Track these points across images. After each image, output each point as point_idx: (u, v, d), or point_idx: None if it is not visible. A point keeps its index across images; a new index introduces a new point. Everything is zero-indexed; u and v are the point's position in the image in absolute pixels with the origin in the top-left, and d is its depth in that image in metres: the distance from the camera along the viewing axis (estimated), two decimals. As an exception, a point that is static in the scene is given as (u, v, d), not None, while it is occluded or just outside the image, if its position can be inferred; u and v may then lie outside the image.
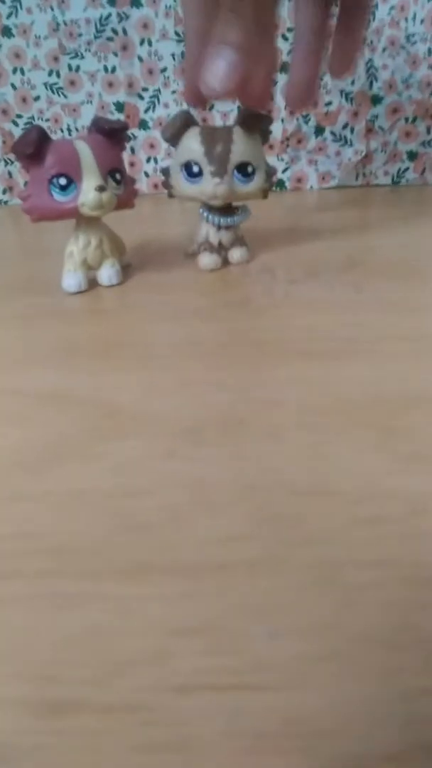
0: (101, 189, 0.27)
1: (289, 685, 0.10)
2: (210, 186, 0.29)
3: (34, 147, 0.26)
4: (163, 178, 0.32)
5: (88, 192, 0.27)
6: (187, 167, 0.30)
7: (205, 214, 0.32)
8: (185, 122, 0.29)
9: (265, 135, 0.31)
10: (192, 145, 0.29)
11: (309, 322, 0.25)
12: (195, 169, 0.29)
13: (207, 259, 0.32)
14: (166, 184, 0.31)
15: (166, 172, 0.31)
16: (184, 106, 0.54)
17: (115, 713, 0.10)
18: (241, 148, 0.29)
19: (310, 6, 0.32)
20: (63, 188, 0.27)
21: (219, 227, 0.32)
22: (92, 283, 0.31)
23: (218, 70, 0.25)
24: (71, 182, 0.27)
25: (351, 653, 0.11)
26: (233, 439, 0.17)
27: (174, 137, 0.30)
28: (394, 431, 0.17)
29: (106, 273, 0.31)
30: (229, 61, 0.25)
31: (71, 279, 0.30)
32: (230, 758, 0.09)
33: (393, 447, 0.16)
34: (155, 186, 0.30)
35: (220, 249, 0.33)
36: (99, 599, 0.12)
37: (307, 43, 0.32)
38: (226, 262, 0.33)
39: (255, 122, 0.29)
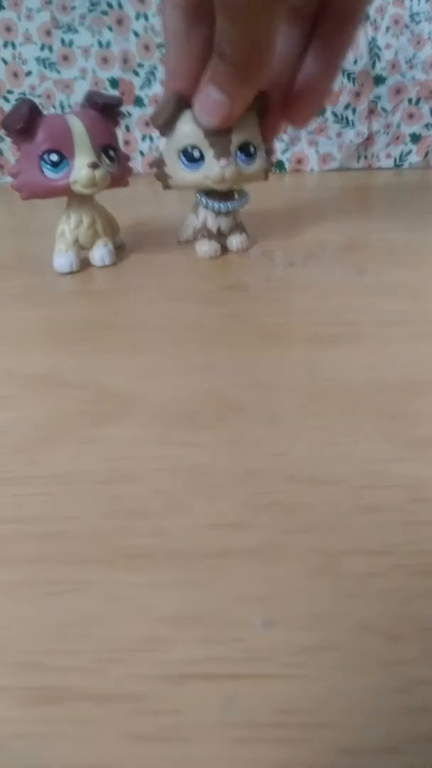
0: (94, 166, 0.27)
1: (286, 674, 0.10)
2: (216, 169, 0.28)
3: (25, 122, 0.26)
4: (156, 170, 0.30)
5: (81, 169, 0.27)
6: (186, 153, 0.28)
7: (203, 199, 0.30)
8: (178, 106, 0.27)
9: (261, 113, 0.29)
10: (189, 128, 0.28)
11: (309, 306, 0.24)
12: (195, 153, 0.28)
13: (206, 247, 0.31)
14: (161, 175, 0.30)
15: (158, 163, 0.29)
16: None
17: (108, 702, 0.10)
18: (240, 127, 0.28)
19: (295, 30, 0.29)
20: (54, 165, 0.27)
21: (218, 213, 0.31)
22: (84, 264, 0.31)
23: (210, 107, 0.26)
24: (63, 159, 0.27)
25: (349, 643, 0.10)
26: (230, 424, 0.17)
27: (167, 123, 0.28)
28: (396, 417, 0.16)
29: (99, 253, 0.30)
30: (220, 100, 0.26)
31: (62, 259, 0.30)
32: (225, 748, 0.09)
33: (395, 433, 0.16)
34: (150, 165, 0.29)
35: (219, 236, 0.32)
36: (90, 586, 0.12)
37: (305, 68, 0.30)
38: (224, 249, 0.32)
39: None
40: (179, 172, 0.29)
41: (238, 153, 0.28)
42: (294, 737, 0.09)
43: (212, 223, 0.31)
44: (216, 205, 0.30)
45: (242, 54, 0.24)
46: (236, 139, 0.28)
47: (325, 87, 0.30)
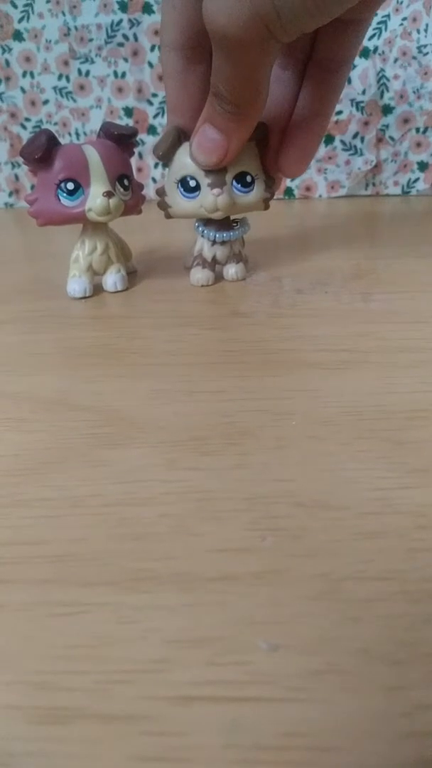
0: (109, 195, 0.27)
1: (290, 698, 0.10)
2: (210, 198, 0.28)
3: (43, 151, 0.27)
4: (159, 199, 0.30)
5: (96, 197, 0.27)
6: (183, 183, 0.29)
7: (201, 228, 0.31)
8: (177, 137, 0.28)
9: (261, 143, 0.29)
10: (186, 159, 0.28)
11: (316, 332, 0.25)
12: (192, 183, 0.28)
13: (199, 275, 0.32)
14: (162, 205, 0.30)
15: (161, 192, 0.30)
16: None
17: (114, 722, 0.10)
18: (237, 157, 0.28)
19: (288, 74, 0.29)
20: (70, 193, 0.27)
21: (214, 242, 0.31)
22: (97, 289, 0.31)
23: (207, 146, 0.27)
24: (79, 187, 0.27)
25: (353, 667, 0.11)
26: (237, 449, 0.17)
27: (167, 154, 0.29)
28: (400, 444, 0.17)
29: (112, 279, 0.31)
30: (216, 139, 0.26)
31: (76, 284, 0.30)
32: (229, 771, 0.09)
33: (399, 460, 0.16)
34: (158, 203, 0.29)
35: (214, 264, 0.32)
36: (98, 608, 0.12)
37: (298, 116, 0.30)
38: (220, 277, 0.32)
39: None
40: (178, 201, 0.29)
41: (234, 183, 0.29)
42: (297, 760, 0.09)
43: (208, 252, 0.31)
44: (211, 234, 0.31)
45: (237, 92, 0.24)
46: (232, 169, 0.28)
47: (312, 136, 0.30)
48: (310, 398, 0.19)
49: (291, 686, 0.10)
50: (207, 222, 0.31)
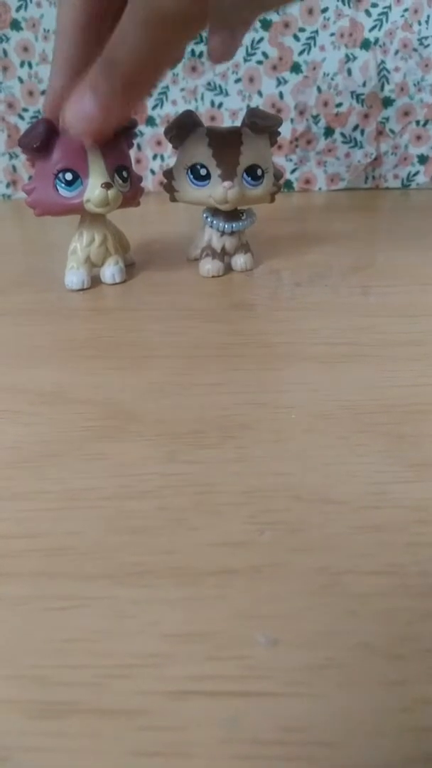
0: (107, 186, 0.27)
1: (289, 692, 0.10)
2: (220, 190, 0.28)
3: (41, 141, 0.26)
4: (165, 180, 0.30)
5: (94, 188, 0.27)
6: (194, 170, 0.29)
7: (209, 219, 0.31)
8: (191, 122, 0.28)
9: (273, 137, 0.30)
10: (199, 146, 0.28)
11: (314, 326, 0.24)
12: (202, 171, 0.28)
13: (209, 266, 0.32)
14: (169, 188, 0.30)
15: (168, 174, 0.30)
16: (193, 105, 0.54)
17: (112, 717, 0.10)
18: (250, 150, 0.28)
19: None
20: (69, 183, 0.27)
21: (223, 233, 0.31)
22: (95, 281, 0.31)
23: (80, 115, 0.24)
24: (77, 177, 0.27)
25: (352, 662, 0.10)
26: (235, 443, 0.17)
27: (178, 137, 0.29)
28: (400, 437, 0.17)
29: (110, 271, 0.31)
30: (91, 109, 0.24)
31: (74, 276, 0.30)
32: (227, 764, 0.09)
33: (399, 454, 0.16)
34: (161, 183, 0.29)
35: (223, 255, 0.32)
36: (96, 602, 0.12)
37: None
38: (229, 268, 0.32)
39: (264, 124, 0.29)
40: (186, 187, 0.29)
41: (245, 175, 0.29)
42: (296, 755, 0.09)
43: (217, 243, 0.32)
44: (221, 224, 0.31)
45: (138, 67, 0.22)
46: (244, 162, 0.28)
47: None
48: (309, 392, 0.19)
49: (290, 681, 0.10)
50: (215, 212, 0.31)
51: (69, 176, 0.27)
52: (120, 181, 0.29)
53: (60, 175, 0.27)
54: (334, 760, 0.09)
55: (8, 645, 0.11)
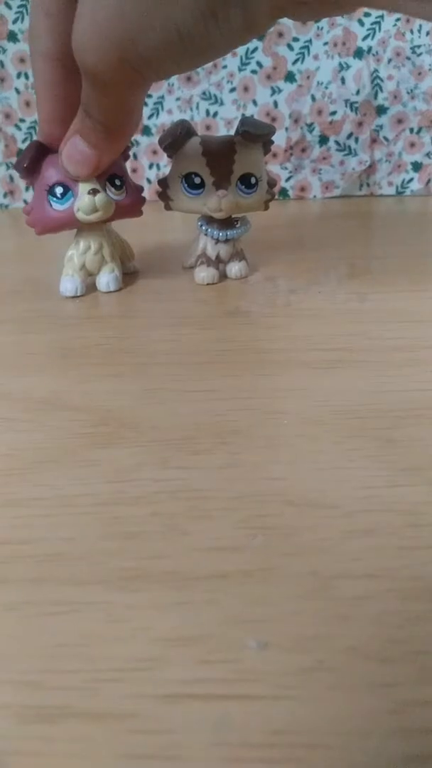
0: (94, 192, 0.27)
1: (279, 696, 0.10)
2: (214, 199, 0.28)
3: (30, 160, 0.27)
4: (160, 189, 0.30)
5: (82, 196, 0.27)
6: (188, 179, 0.29)
7: (204, 227, 0.31)
8: (185, 131, 0.28)
9: (266, 146, 0.30)
10: (193, 155, 0.28)
11: (309, 332, 0.25)
12: (196, 180, 0.29)
13: (204, 273, 0.31)
14: (164, 196, 0.30)
15: (163, 183, 0.30)
16: (188, 114, 0.54)
17: (103, 720, 0.10)
18: (244, 159, 0.28)
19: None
20: (60, 197, 0.28)
21: (217, 241, 0.31)
22: (91, 289, 0.31)
23: (77, 158, 0.26)
24: (68, 190, 0.28)
25: (342, 665, 0.11)
26: (228, 448, 0.17)
27: (173, 146, 0.29)
28: (392, 442, 0.17)
29: (105, 279, 0.31)
30: (86, 152, 0.26)
31: (68, 283, 0.30)
32: (218, 767, 0.09)
33: (391, 458, 0.16)
34: (157, 192, 0.29)
35: (218, 262, 0.32)
36: (88, 607, 0.12)
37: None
38: (224, 275, 0.32)
39: (257, 133, 0.28)
40: (180, 196, 0.30)
41: (239, 184, 0.29)
42: (286, 758, 0.09)
43: (211, 250, 0.32)
44: (215, 232, 0.31)
45: (108, 117, 0.24)
46: (237, 170, 0.28)
47: None
48: (301, 397, 0.19)
49: (280, 684, 0.10)
50: (209, 220, 0.31)
51: (60, 190, 0.27)
52: (112, 189, 0.29)
53: (52, 189, 0.27)
54: (324, 762, 0.09)
55: (1, 650, 0.11)
